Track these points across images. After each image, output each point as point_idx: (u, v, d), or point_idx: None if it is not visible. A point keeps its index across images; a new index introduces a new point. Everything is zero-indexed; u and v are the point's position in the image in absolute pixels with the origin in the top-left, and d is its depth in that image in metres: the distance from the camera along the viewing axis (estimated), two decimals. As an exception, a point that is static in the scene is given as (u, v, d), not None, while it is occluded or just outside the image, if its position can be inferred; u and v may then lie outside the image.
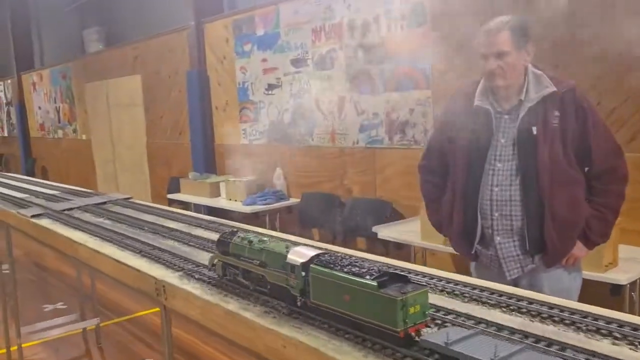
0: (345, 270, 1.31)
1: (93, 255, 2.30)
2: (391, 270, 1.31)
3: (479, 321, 1.35)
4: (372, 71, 4.50)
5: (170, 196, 6.09)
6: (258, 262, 1.56)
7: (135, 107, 7.98)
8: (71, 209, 3.10)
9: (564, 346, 1.19)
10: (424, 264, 3.89)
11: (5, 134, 13.97)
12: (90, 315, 4.25)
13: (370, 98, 4.56)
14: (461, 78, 3.28)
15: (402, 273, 1.30)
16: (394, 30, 4.31)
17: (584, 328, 1.30)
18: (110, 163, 8.97)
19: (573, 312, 1.37)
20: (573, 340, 1.23)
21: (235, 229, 1.88)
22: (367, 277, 1.25)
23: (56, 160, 11.09)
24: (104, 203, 3.28)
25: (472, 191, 2.25)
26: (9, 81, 12.98)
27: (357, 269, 1.30)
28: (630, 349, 1.20)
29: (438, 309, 1.43)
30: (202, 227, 2.54)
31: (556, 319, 1.36)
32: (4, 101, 13.57)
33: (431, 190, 2.48)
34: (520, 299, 1.48)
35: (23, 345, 3.80)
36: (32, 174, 11.83)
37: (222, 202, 5.54)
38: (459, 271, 2.13)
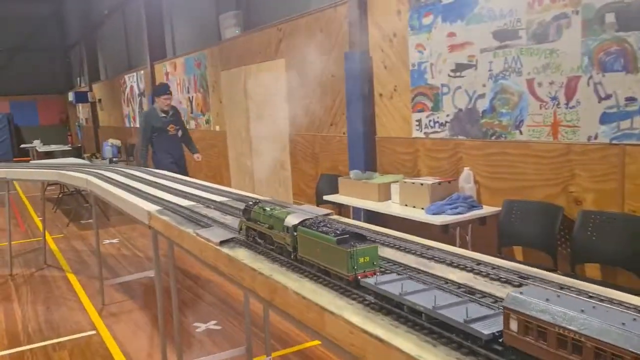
0: (319, 230, 1.70)
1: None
2: (353, 230, 1.67)
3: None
4: (629, 39, 3.29)
5: (328, 197, 5.23)
6: (267, 225, 2.00)
7: (277, 95, 7.27)
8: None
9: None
10: None
11: (138, 125, 14.07)
12: (259, 350, 3.47)
13: (622, 78, 3.35)
14: None
15: (360, 232, 1.66)
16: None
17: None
18: (246, 156, 8.37)
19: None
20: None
21: (257, 200, 2.24)
22: (331, 234, 1.63)
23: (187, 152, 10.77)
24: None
25: None
26: (142, 72, 12.98)
27: (327, 229, 1.69)
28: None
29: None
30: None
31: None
32: (137, 92, 13.65)
33: None
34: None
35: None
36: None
37: (394, 208, 4.58)
38: None
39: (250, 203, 2.17)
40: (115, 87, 15.85)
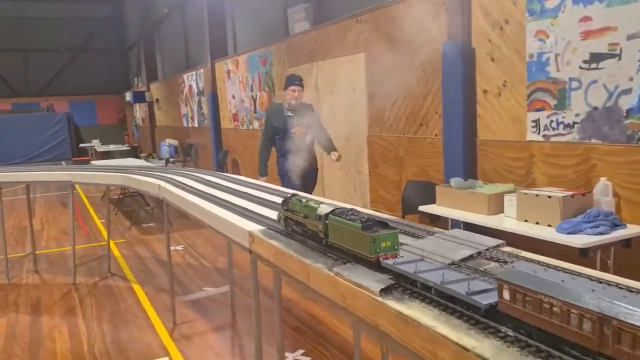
0: (347, 218, 1.92)
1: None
2: (377, 219, 1.87)
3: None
4: None
5: (424, 208, 4.59)
6: (303, 215, 2.21)
7: (354, 93, 6.67)
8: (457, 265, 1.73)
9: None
10: None
11: (196, 124, 13.79)
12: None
13: None
14: None
15: (383, 220, 1.87)
16: None
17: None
18: (319, 159, 7.80)
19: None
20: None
21: (294, 194, 2.52)
22: (357, 222, 1.83)
23: (250, 153, 10.34)
24: (474, 256, 1.80)
25: None
26: (202, 70, 12.66)
27: (354, 217, 1.91)
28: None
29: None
30: None
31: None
32: (196, 91, 13.35)
33: None
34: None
35: None
36: (223, 167, 11.32)
37: (509, 223, 3.89)
38: None
39: (289, 195, 2.40)
40: (173, 86, 15.65)
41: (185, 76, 14.14)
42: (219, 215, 2.81)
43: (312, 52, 7.54)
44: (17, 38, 23.09)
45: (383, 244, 1.75)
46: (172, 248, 7.10)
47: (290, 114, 5.63)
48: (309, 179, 5.71)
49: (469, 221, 4.21)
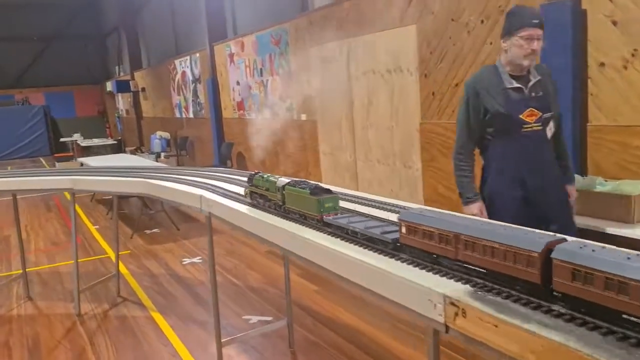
0: (299, 187, 2.34)
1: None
2: (322, 187, 2.31)
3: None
4: None
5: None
6: (265, 188, 2.62)
7: (400, 74, 5.66)
8: None
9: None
10: None
11: (191, 115, 12.64)
12: None
13: None
14: None
15: (328, 187, 2.34)
16: None
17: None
18: (346, 150, 6.80)
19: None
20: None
21: (256, 172, 2.82)
22: (307, 189, 2.28)
23: (259, 145, 9.26)
24: None
25: None
26: (197, 55, 11.50)
27: (305, 186, 2.34)
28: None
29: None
30: None
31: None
32: (191, 78, 12.18)
33: None
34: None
35: None
36: (227, 162, 10.25)
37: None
38: None
39: (252, 173, 2.82)
40: (163, 74, 14.42)
41: (177, 62, 12.94)
42: (340, 252, 1.85)
43: (343, 27, 6.49)
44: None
45: (327, 205, 2.20)
46: (187, 261, 6.06)
47: (517, 84, 2.94)
48: (555, 212, 3.00)
49: (606, 231, 3.26)
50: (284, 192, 2.45)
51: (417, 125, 5.56)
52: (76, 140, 15.98)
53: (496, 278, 1.43)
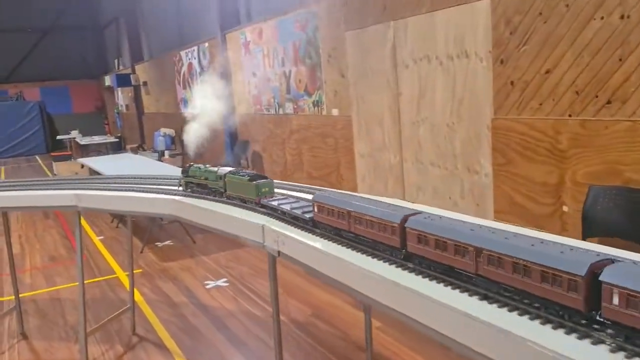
0: (239, 175, 2.71)
1: None
2: (258, 174, 2.69)
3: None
4: None
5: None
6: (204, 177, 2.93)
7: (466, 60, 4.73)
8: None
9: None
10: None
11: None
12: None
13: None
14: None
15: (264, 175, 2.70)
16: None
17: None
18: (391, 150, 5.88)
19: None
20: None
21: (191, 164, 3.10)
22: (246, 176, 2.66)
23: (279, 144, 8.34)
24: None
25: None
26: (206, 44, 10.54)
27: (244, 173, 2.72)
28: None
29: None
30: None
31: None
32: (198, 70, 11.22)
33: None
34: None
35: None
36: (240, 162, 9.34)
37: None
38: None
39: (187, 165, 3.11)
40: (166, 66, 13.45)
41: (183, 53, 11.97)
42: None
43: (389, 6, 5.55)
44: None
45: (263, 190, 2.56)
46: (212, 284, 5.14)
47: None
48: None
49: None
50: (225, 180, 2.79)
51: (487, 122, 4.63)
52: (74, 138, 15.00)
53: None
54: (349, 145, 6.65)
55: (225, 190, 2.77)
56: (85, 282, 5.31)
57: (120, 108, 19.49)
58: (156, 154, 12.42)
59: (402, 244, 1.63)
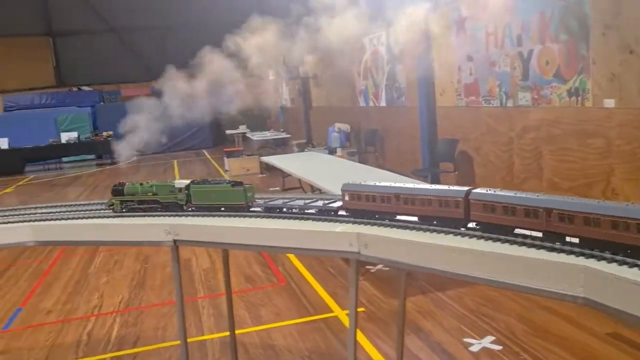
0: (211, 183, 2.96)
1: None
2: (236, 181, 2.93)
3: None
4: None
5: None
6: (151, 193, 3.04)
7: None
8: None
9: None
10: None
11: (383, 103, 10.38)
12: None
13: None
14: None
15: (239, 182, 2.92)
16: None
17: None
18: None
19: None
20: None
21: (122, 182, 3.18)
22: (225, 184, 2.90)
23: (502, 144, 6.67)
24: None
25: None
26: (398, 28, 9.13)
27: (217, 182, 2.96)
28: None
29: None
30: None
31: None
32: (386, 57, 9.90)
33: None
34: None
35: None
36: (439, 165, 7.84)
37: None
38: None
39: (117, 184, 3.15)
40: (341, 56, 12.32)
41: (366, 40, 10.74)
42: None
43: None
44: (155, 15, 21.20)
45: (248, 195, 2.83)
46: (476, 344, 3.66)
47: None
48: None
49: None
50: (188, 191, 2.97)
51: None
52: (245, 133, 14.55)
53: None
54: (633, 149, 4.82)
55: (187, 202, 2.99)
56: (293, 321, 4.16)
57: (284, 102, 18.99)
58: (326, 151, 11.39)
59: (465, 215, 2.07)
